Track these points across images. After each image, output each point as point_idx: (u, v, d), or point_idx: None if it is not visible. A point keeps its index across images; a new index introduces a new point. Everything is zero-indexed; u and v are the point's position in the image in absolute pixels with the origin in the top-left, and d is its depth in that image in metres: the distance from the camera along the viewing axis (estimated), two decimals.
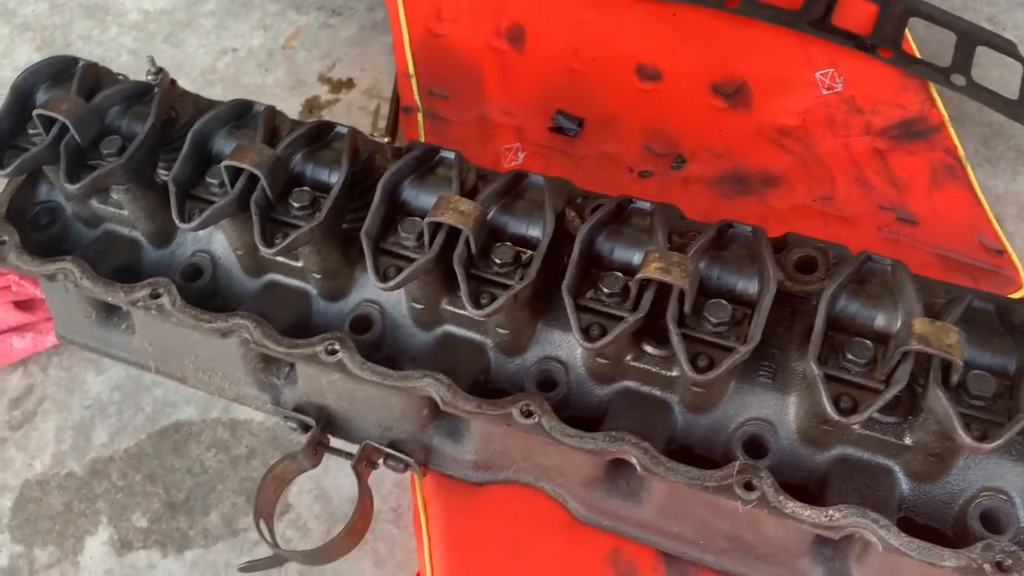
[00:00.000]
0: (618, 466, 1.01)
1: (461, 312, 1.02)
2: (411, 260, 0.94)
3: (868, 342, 0.83)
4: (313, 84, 1.64)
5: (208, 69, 1.65)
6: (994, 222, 1.22)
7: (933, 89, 1.32)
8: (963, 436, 0.76)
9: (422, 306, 1.02)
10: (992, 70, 1.45)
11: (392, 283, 0.92)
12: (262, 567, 1.07)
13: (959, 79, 1.31)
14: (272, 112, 1.04)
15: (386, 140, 1.11)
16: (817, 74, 1.33)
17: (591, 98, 1.36)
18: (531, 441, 0.98)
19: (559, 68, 1.38)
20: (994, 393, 0.80)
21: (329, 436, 1.13)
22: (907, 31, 1.37)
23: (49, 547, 1.25)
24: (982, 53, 1.41)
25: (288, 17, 1.71)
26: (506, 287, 0.92)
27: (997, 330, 0.84)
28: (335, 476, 1.26)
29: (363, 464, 1.09)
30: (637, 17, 1.40)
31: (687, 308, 0.85)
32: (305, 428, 1.13)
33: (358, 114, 1.58)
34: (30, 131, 1.08)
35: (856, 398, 0.82)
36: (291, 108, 1.53)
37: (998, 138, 1.47)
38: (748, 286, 0.88)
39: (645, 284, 0.86)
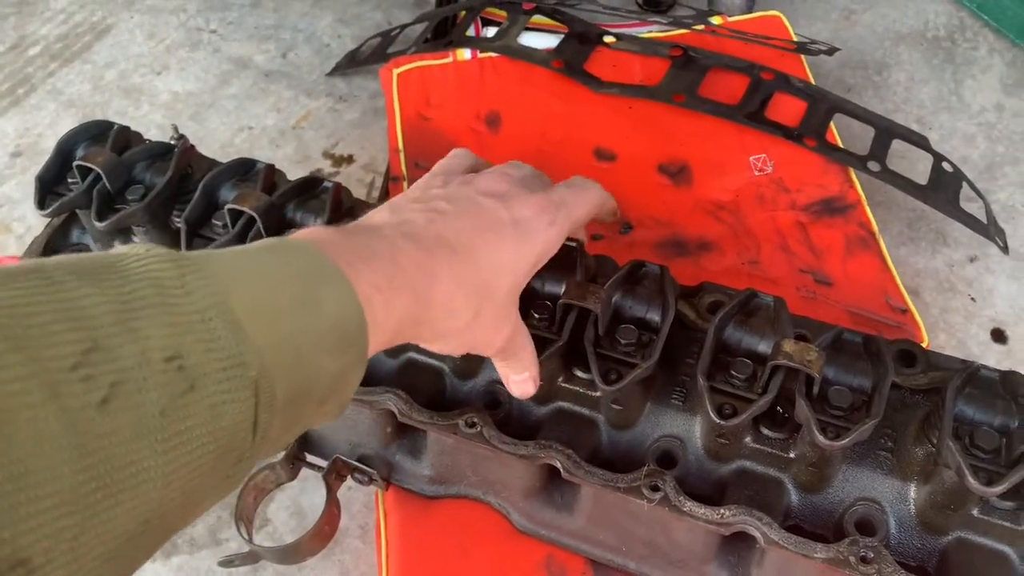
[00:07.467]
0: (554, 481, 1.16)
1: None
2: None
3: (749, 361, 0.99)
4: (318, 159, 1.85)
5: (226, 143, 1.88)
6: (900, 286, 1.38)
7: (853, 173, 1.51)
8: (818, 436, 0.91)
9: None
10: (918, 163, 1.64)
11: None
12: (238, 563, 1.21)
13: (875, 165, 1.50)
14: (271, 168, 1.24)
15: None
16: (751, 158, 1.52)
17: (554, 173, 1.53)
18: (478, 455, 1.13)
19: (529, 148, 1.58)
20: (850, 405, 0.95)
21: (306, 453, 1.28)
22: (832, 125, 1.57)
23: None
24: (908, 149, 1.61)
25: (300, 102, 1.95)
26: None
27: (861, 356, 1.00)
28: (311, 496, 1.40)
29: (333, 476, 1.24)
30: (598, 108, 1.61)
31: (601, 331, 1.02)
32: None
33: (355, 185, 1.79)
34: (69, 180, 1.29)
35: (737, 407, 0.97)
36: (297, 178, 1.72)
37: (920, 221, 1.66)
38: (655, 315, 1.05)
39: (567, 310, 1.03)
